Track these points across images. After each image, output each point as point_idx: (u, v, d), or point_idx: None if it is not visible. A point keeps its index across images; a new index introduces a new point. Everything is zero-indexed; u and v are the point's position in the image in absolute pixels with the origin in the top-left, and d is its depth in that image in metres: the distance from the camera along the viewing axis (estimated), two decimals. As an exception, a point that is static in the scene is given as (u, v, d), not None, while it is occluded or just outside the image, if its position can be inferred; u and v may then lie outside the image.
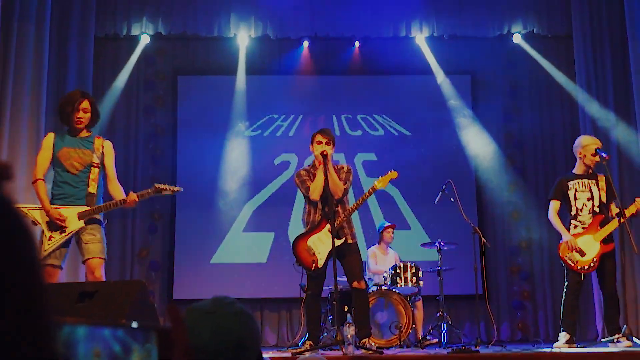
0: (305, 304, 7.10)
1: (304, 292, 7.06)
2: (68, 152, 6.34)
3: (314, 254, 6.90)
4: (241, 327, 1.81)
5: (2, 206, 0.91)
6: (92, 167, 6.35)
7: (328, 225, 6.88)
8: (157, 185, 6.43)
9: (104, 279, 6.33)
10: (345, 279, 7.16)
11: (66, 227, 6.16)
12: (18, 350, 0.86)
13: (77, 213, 6.20)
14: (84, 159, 6.35)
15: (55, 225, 6.15)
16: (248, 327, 1.84)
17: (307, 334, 7.07)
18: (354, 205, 7.08)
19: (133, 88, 10.94)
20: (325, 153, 6.86)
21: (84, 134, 6.46)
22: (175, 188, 6.49)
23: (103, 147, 6.47)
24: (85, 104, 6.38)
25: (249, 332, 1.83)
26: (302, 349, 6.63)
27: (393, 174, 7.39)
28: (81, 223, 6.20)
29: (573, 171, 7.66)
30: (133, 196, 6.28)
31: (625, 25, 10.08)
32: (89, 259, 6.22)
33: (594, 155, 7.46)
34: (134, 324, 1.09)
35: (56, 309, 0.94)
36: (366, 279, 8.95)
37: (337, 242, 6.69)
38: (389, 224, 9.45)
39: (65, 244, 6.25)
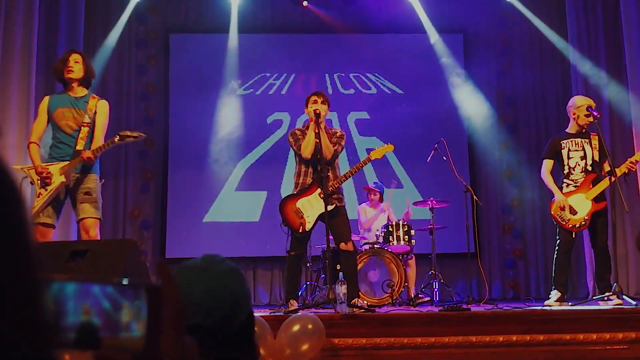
0: (288, 265, 7.13)
1: (287, 254, 7.08)
2: (62, 112, 6.38)
3: (302, 217, 6.94)
4: (234, 285, 1.81)
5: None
6: (82, 127, 6.34)
7: (319, 190, 6.95)
8: (121, 133, 6.35)
9: (98, 238, 6.36)
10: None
11: (51, 182, 6.19)
12: (7, 318, 0.85)
13: (60, 168, 6.22)
14: (78, 119, 6.38)
15: (43, 182, 6.17)
16: (240, 284, 1.84)
17: (286, 294, 7.13)
18: (347, 173, 7.10)
19: (125, 46, 10.86)
20: (318, 111, 6.86)
21: (79, 92, 6.47)
22: (137, 133, 6.39)
23: (97, 106, 6.46)
24: (76, 56, 6.42)
25: (241, 290, 1.83)
26: (291, 309, 6.65)
27: (389, 147, 7.41)
28: (63, 178, 6.21)
29: (566, 130, 7.68)
30: (87, 153, 6.22)
31: (617, -17, 10.03)
32: (84, 218, 6.23)
33: (587, 115, 7.47)
34: (124, 281, 1.08)
35: (47, 268, 0.93)
36: (358, 237, 9.00)
37: (328, 208, 6.72)
38: (373, 187, 9.40)
39: (57, 203, 6.26)
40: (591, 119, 7.46)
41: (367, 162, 7.25)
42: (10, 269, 0.86)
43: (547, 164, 7.65)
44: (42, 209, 6.17)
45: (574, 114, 7.59)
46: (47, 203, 6.20)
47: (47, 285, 1.03)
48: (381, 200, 9.36)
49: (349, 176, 7.12)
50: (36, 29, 9.10)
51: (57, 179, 6.23)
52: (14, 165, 6.42)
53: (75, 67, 6.38)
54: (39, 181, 6.21)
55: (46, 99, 6.52)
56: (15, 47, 8.82)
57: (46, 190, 6.20)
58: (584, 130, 7.57)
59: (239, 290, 1.82)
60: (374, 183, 9.52)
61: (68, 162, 6.25)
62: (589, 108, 7.48)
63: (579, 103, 7.62)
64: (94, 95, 6.55)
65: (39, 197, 6.19)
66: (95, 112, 6.45)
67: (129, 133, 6.33)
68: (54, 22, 9.71)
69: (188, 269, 1.78)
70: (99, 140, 6.45)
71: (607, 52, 10.27)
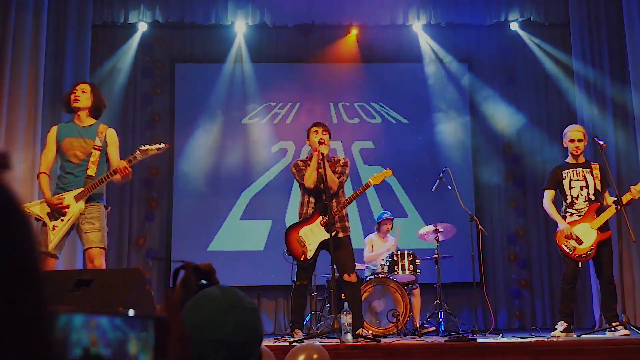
0: (293, 294, 7.18)
1: (293, 283, 7.14)
2: (70, 142, 6.35)
3: (304, 245, 6.98)
4: (259, 322, 1.81)
5: (2, 197, 0.90)
6: (93, 150, 6.33)
7: (320, 218, 7.03)
8: (142, 147, 6.33)
9: (104, 267, 6.34)
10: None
11: (65, 212, 6.15)
12: (15, 349, 0.85)
13: (74, 196, 6.18)
14: (86, 148, 6.33)
15: (56, 214, 6.14)
16: (260, 322, 1.83)
17: (291, 323, 7.18)
18: (347, 200, 7.13)
19: (130, 76, 10.90)
20: (323, 144, 6.91)
21: (87, 122, 6.44)
22: (160, 145, 6.36)
23: (106, 134, 6.44)
24: (84, 86, 6.39)
25: (261, 328, 1.83)
26: (296, 338, 6.63)
27: (388, 172, 7.44)
28: (80, 204, 6.18)
29: (566, 160, 7.70)
30: (122, 163, 6.19)
31: (622, 13, 10.06)
32: (89, 248, 6.21)
33: (572, 141, 7.53)
34: (131, 312, 1.08)
35: (53, 297, 0.93)
36: (363, 267, 8.98)
37: (327, 237, 6.73)
38: (388, 216, 9.37)
39: (65, 232, 6.24)
40: (577, 144, 7.52)
41: (366, 188, 7.27)
42: (19, 300, 0.86)
43: (549, 194, 7.64)
44: (59, 240, 6.15)
45: (564, 143, 7.67)
46: (65, 233, 6.19)
47: (55, 317, 1.02)
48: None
49: (349, 203, 7.14)
50: (43, 60, 9.16)
51: (75, 207, 6.18)
52: None
53: (82, 96, 6.35)
54: (48, 214, 6.18)
55: (54, 128, 6.49)
56: (22, 78, 8.87)
57: (62, 221, 6.17)
58: (579, 159, 7.59)
59: (261, 328, 1.82)
60: (385, 212, 9.48)
61: (82, 189, 6.22)
62: (595, 138, 7.54)
63: (565, 131, 7.73)
64: (102, 124, 6.52)
65: (54, 229, 6.15)
66: (106, 141, 6.44)
67: (149, 147, 6.31)
68: (61, 52, 9.76)
69: (215, 304, 1.75)
70: (117, 163, 6.36)
71: (613, 80, 10.28)
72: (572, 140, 7.57)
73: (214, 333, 1.69)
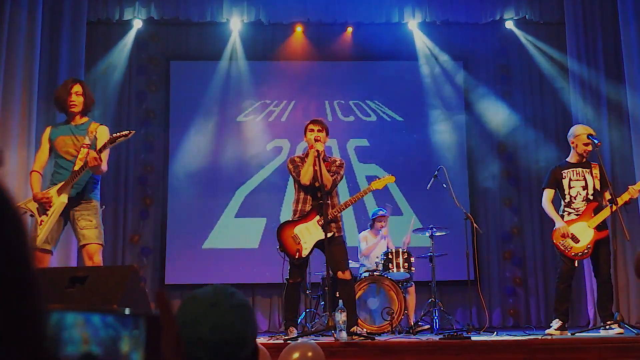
0: (286, 292, 7.15)
1: (286, 281, 7.11)
2: (63, 140, 6.46)
3: (299, 243, 6.96)
4: (242, 322, 1.78)
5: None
6: (82, 148, 6.38)
7: (318, 217, 6.98)
8: (110, 136, 6.34)
9: (101, 264, 6.38)
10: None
11: (50, 206, 6.22)
12: (8, 347, 0.85)
13: (57, 190, 6.27)
14: (78, 146, 6.44)
15: (43, 208, 6.19)
16: (248, 321, 1.80)
17: (285, 321, 7.15)
18: (347, 202, 7.12)
19: (126, 73, 10.88)
20: (318, 143, 6.92)
21: (79, 120, 6.55)
22: (126, 132, 6.35)
23: (97, 131, 6.49)
24: (77, 88, 6.47)
25: (249, 327, 1.81)
26: (291, 336, 6.63)
27: (391, 179, 7.42)
28: (63, 198, 6.24)
29: (567, 160, 7.69)
30: (92, 153, 6.20)
31: (617, 12, 10.08)
32: (87, 244, 6.24)
33: (586, 144, 7.49)
34: (124, 310, 1.08)
35: (46, 294, 0.93)
36: (357, 264, 8.98)
37: (323, 236, 6.73)
38: (382, 214, 9.36)
39: (57, 228, 6.27)
40: (590, 147, 7.48)
41: (367, 192, 7.28)
42: (12, 299, 0.86)
43: (548, 194, 7.64)
44: (46, 235, 6.18)
45: (572, 143, 7.62)
46: (50, 228, 6.21)
47: (48, 314, 1.02)
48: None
49: (348, 205, 7.13)
50: (38, 57, 9.15)
51: (56, 201, 6.25)
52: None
53: (77, 100, 6.47)
54: (37, 209, 6.23)
55: (48, 129, 6.63)
56: (16, 75, 8.85)
57: (47, 215, 6.22)
58: (584, 160, 7.58)
59: (247, 327, 1.80)
60: (380, 209, 9.47)
61: (63, 182, 6.28)
62: (589, 136, 7.49)
63: (577, 132, 7.64)
64: (94, 122, 6.61)
65: (41, 224, 6.20)
66: (96, 137, 6.48)
67: (118, 134, 6.29)
68: (56, 50, 9.74)
69: (197, 303, 1.75)
70: (103, 161, 6.45)
71: (607, 80, 10.29)
72: (586, 144, 7.53)
73: (191, 332, 1.68)
